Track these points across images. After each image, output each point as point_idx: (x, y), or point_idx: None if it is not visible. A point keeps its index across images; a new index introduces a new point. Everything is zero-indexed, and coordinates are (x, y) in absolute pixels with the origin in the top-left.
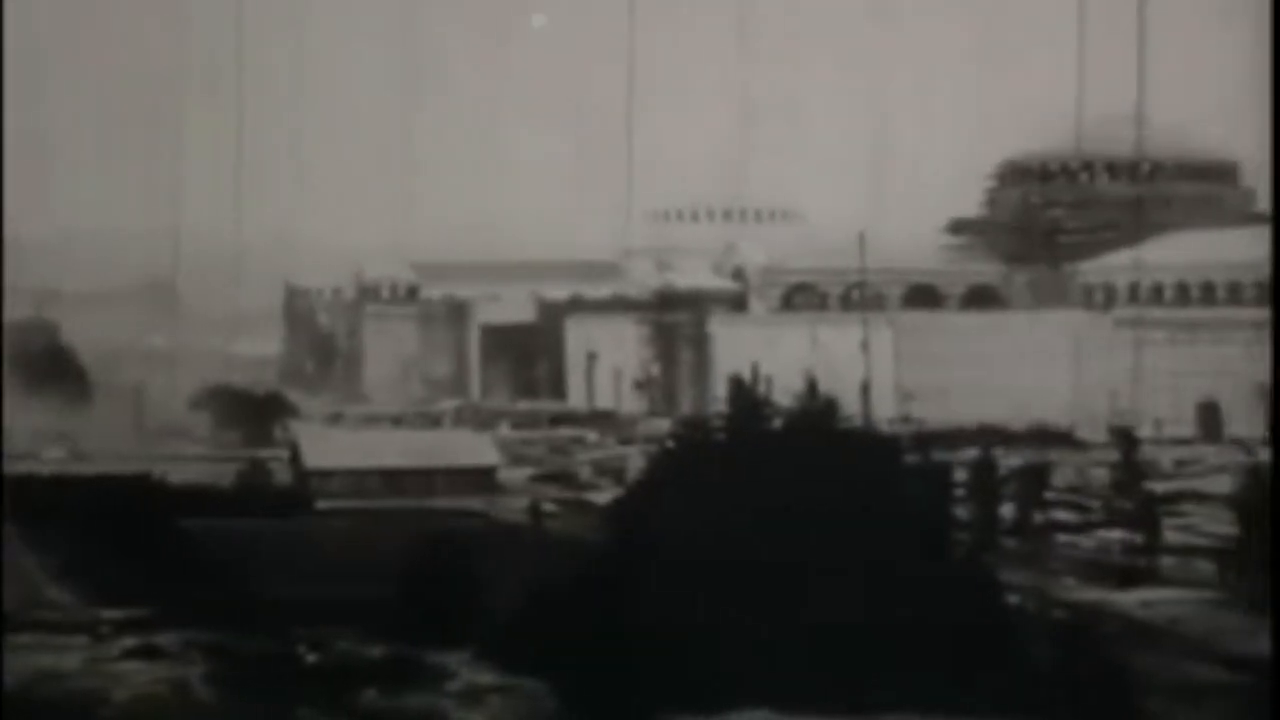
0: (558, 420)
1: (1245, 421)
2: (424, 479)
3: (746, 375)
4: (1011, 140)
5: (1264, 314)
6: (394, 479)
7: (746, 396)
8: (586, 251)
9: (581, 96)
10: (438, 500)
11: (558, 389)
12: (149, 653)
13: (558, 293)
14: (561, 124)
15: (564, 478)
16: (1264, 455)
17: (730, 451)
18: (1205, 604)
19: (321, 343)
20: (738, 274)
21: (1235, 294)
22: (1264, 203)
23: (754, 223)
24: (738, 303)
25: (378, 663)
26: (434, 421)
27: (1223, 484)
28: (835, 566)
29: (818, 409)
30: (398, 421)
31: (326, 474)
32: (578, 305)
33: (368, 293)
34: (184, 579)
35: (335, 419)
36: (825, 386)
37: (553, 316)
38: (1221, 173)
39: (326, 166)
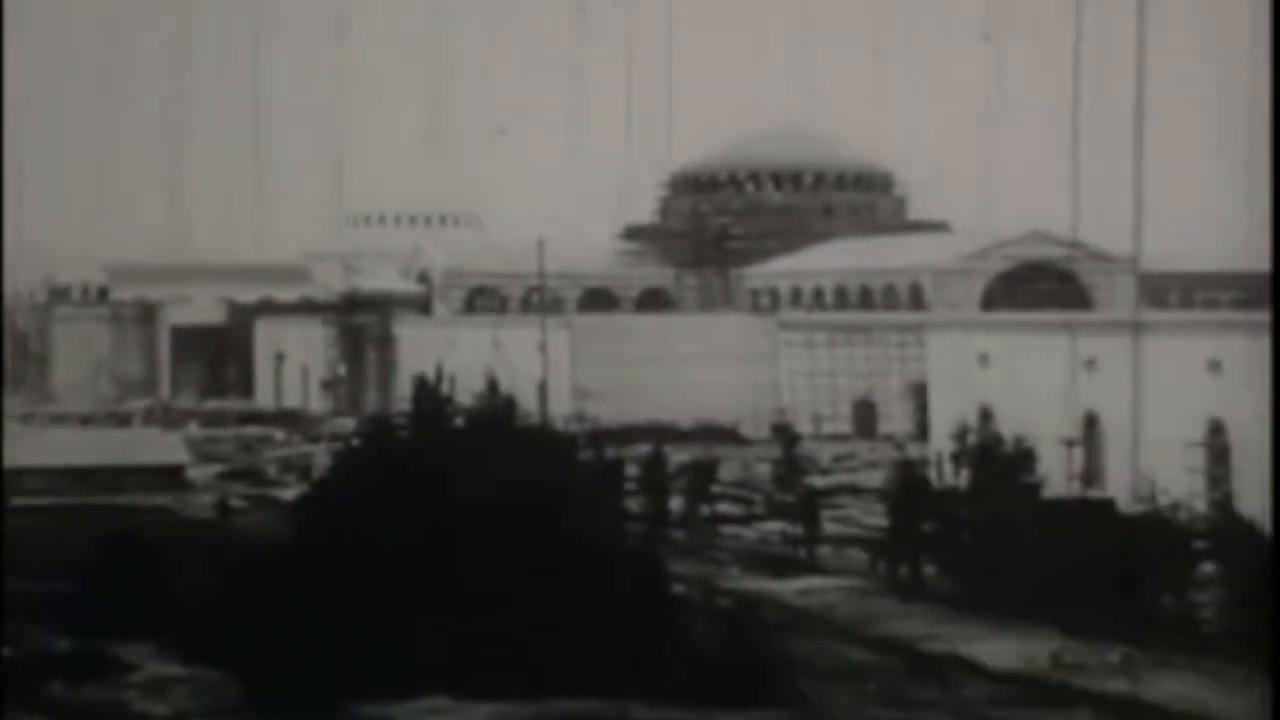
0: (246, 419)
1: (897, 418)
2: (113, 476)
3: (430, 375)
4: (683, 150)
5: (917, 317)
6: (84, 476)
7: (429, 395)
8: (276, 255)
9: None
10: (127, 497)
11: (246, 389)
12: None
13: (247, 295)
14: (251, 132)
15: (251, 475)
16: (913, 450)
17: (413, 449)
18: (857, 591)
19: (15, 344)
20: (423, 277)
21: (890, 298)
22: (916, 211)
23: (439, 227)
24: (422, 305)
25: (64, 656)
26: (124, 421)
27: (876, 478)
28: (513, 559)
29: (497, 407)
30: (87, 421)
31: (19, 472)
32: (267, 308)
33: (59, 295)
34: None
35: (27, 419)
36: (505, 386)
37: (242, 318)
38: (877, 183)
39: (21, 170)
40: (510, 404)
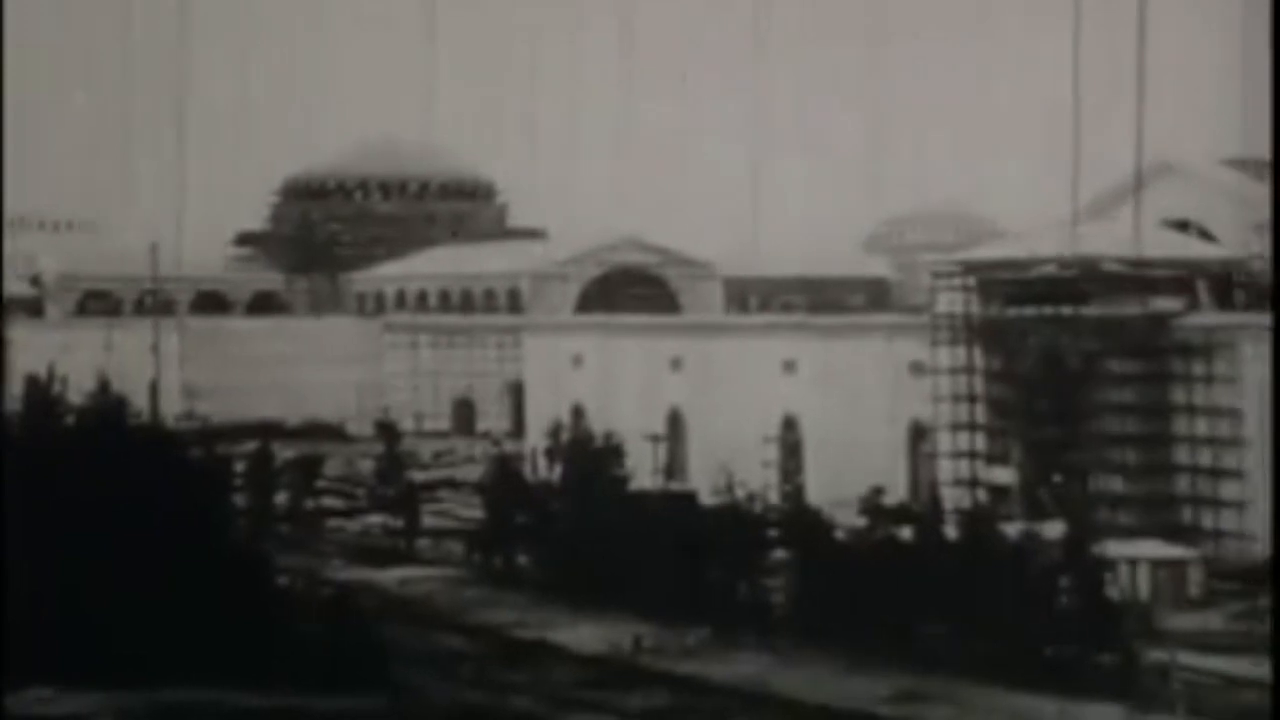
0: None
1: (494, 416)
2: None
3: (43, 376)
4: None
5: (515, 320)
6: None
7: (41, 395)
8: None
9: None
10: None
11: None
12: None
13: None
14: None
15: None
16: (509, 446)
17: (25, 448)
18: (454, 580)
19: None
20: (35, 281)
21: (490, 302)
22: (516, 219)
23: (53, 232)
24: (34, 308)
25: None
26: None
27: (474, 473)
28: (123, 552)
29: (108, 407)
30: None
31: None
32: None
33: None
34: None
35: None
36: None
37: None
38: (479, 192)
39: None
40: (121, 403)
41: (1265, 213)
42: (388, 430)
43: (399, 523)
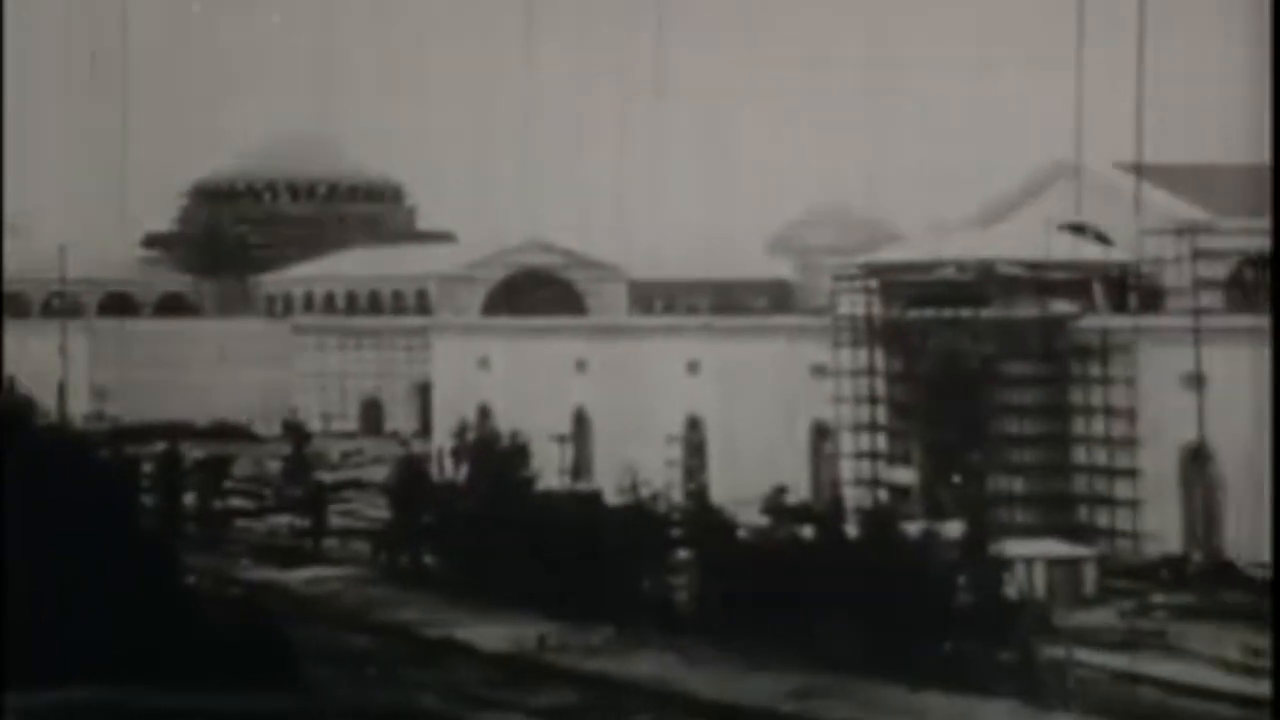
0: None
1: (402, 417)
2: None
3: None
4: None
5: (423, 322)
6: None
7: None
8: None
9: None
10: None
11: None
12: None
13: None
14: None
15: None
16: (416, 447)
17: None
18: (361, 580)
19: None
20: None
21: (399, 303)
22: (424, 222)
23: None
24: None
25: None
26: None
27: (381, 473)
28: (28, 552)
29: (15, 407)
30: None
31: None
32: None
33: None
34: None
35: None
36: (25, 387)
37: None
38: (388, 195)
39: None
40: (29, 404)
41: (1156, 217)
42: (296, 431)
43: (306, 523)
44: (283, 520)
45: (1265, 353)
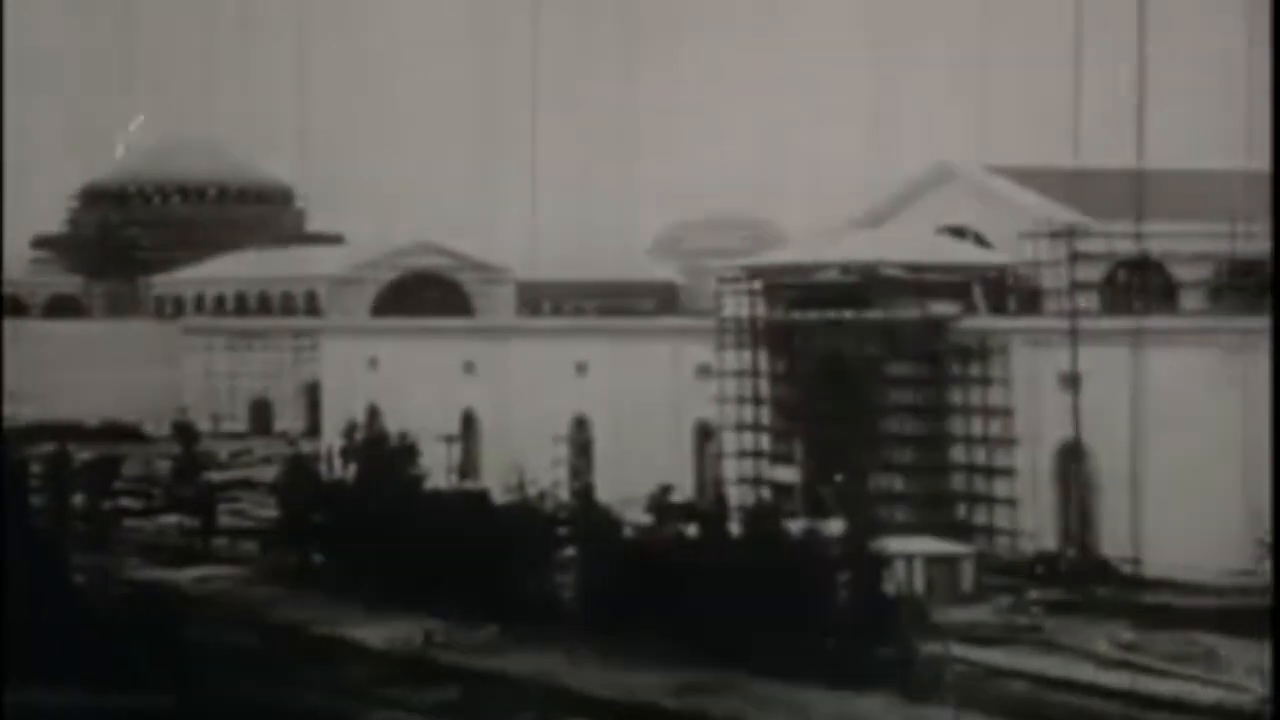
0: None
1: (291, 417)
2: None
3: None
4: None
5: (312, 323)
6: None
7: None
8: None
9: None
10: None
11: None
12: None
13: None
14: None
15: None
16: (305, 446)
17: None
18: (249, 579)
19: None
20: None
21: (288, 305)
22: (313, 224)
23: None
24: None
25: None
26: None
27: (270, 473)
28: None
29: None
30: None
31: None
32: None
33: None
34: None
35: None
36: None
37: None
38: (278, 197)
39: None
40: None
41: (1032, 221)
42: (185, 431)
43: (196, 522)
44: (172, 520)
45: (1137, 354)
